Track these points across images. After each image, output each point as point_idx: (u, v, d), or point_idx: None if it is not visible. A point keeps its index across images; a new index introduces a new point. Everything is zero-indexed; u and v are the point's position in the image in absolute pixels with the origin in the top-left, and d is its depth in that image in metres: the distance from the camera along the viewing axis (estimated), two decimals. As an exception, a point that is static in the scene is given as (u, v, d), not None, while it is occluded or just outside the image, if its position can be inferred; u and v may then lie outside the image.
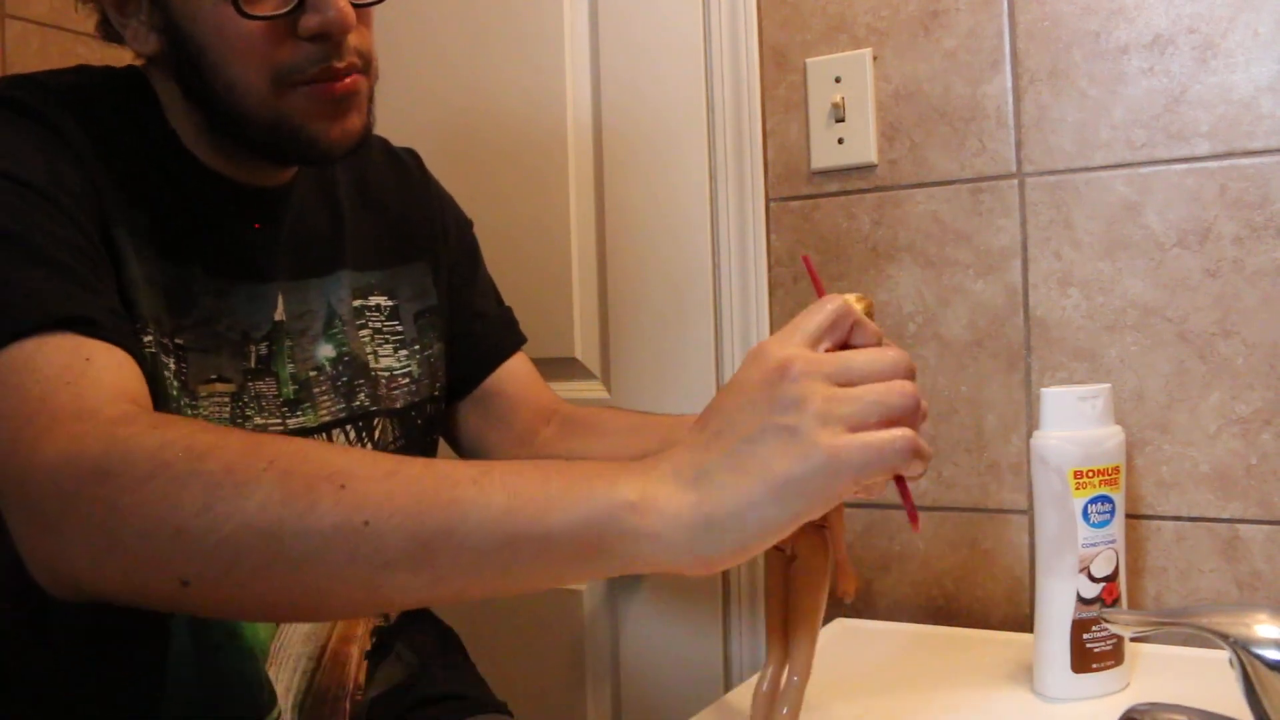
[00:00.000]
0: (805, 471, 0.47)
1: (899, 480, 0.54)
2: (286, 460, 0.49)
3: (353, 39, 0.71)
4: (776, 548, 0.64)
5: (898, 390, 0.50)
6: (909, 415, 0.49)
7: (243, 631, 0.74)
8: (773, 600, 0.65)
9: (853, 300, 0.65)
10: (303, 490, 0.48)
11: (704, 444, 0.50)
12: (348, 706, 0.81)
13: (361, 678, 0.83)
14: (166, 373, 0.70)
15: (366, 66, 0.73)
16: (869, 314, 0.65)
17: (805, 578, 0.63)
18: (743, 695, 0.83)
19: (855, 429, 0.48)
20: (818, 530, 0.63)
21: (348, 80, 0.71)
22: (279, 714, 0.76)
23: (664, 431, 0.88)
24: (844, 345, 0.55)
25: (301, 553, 0.47)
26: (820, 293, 0.58)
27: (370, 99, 0.75)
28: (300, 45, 0.69)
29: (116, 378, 0.59)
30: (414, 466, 0.50)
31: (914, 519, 0.54)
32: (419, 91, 1.31)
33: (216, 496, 0.48)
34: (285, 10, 0.67)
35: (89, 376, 0.57)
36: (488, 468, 0.50)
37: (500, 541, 0.47)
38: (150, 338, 0.69)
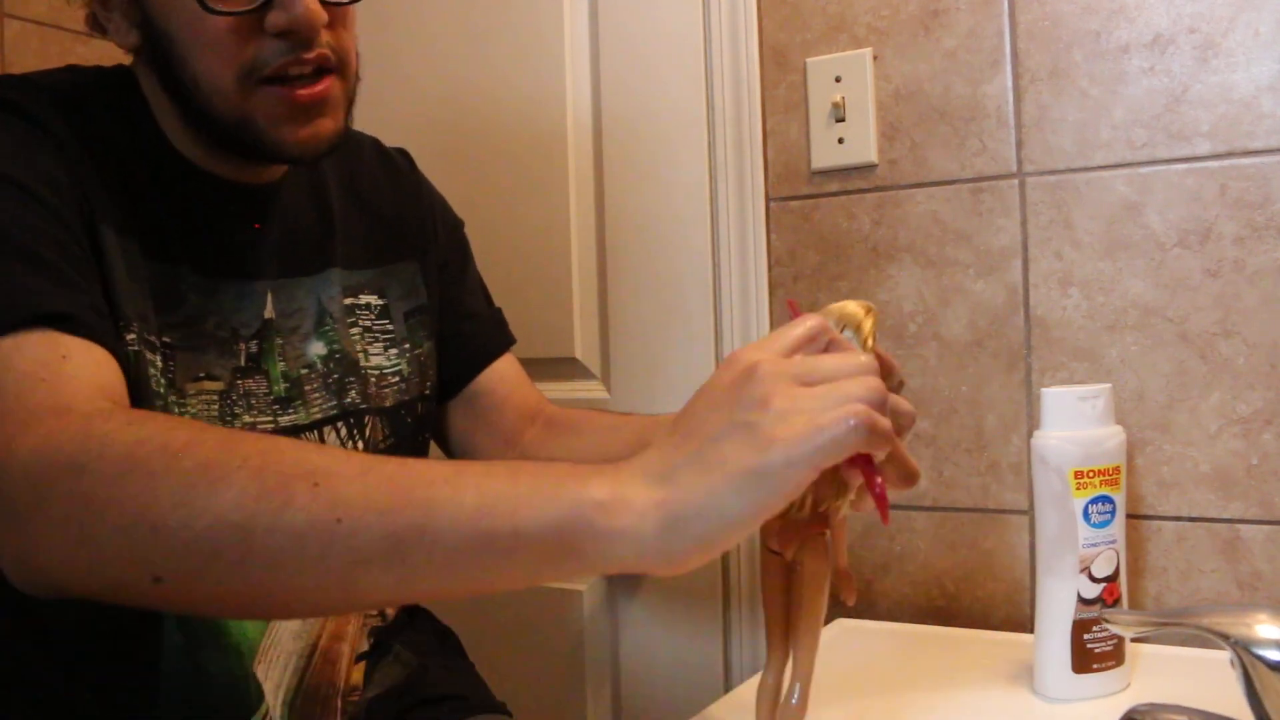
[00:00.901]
0: (763, 464, 0.47)
1: (864, 463, 0.52)
2: (261, 457, 0.49)
3: (328, 37, 0.71)
4: (774, 551, 0.64)
5: (860, 382, 0.49)
6: (873, 405, 0.49)
7: (228, 629, 0.74)
8: (772, 604, 0.65)
9: (856, 307, 0.64)
10: (277, 487, 0.48)
11: (673, 445, 0.50)
12: (339, 704, 0.81)
13: (354, 677, 0.83)
14: (153, 370, 0.70)
15: (342, 67, 0.73)
16: (874, 323, 0.64)
17: (807, 582, 0.63)
18: (743, 696, 0.83)
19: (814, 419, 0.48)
20: (819, 535, 0.63)
21: (318, 87, 0.71)
22: (266, 711, 0.76)
23: (640, 430, 0.88)
24: None
25: (275, 549, 0.47)
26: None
27: (348, 101, 0.75)
28: (268, 42, 0.69)
29: (94, 374, 0.59)
30: (388, 465, 0.50)
31: (883, 508, 0.52)
32: (420, 92, 1.31)
33: (191, 493, 0.48)
34: (251, 7, 0.67)
35: (65, 373, 0.57)
36: (461, 467, 0.50)
37: (471, 539, 0.47)
38: (134, 335, 0.69)
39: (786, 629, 0.64)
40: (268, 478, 0.48)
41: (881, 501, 0.52)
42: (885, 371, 0.64)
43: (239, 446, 0.50)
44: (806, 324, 0.53)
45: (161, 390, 0.71)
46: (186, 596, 0.50)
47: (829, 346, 0.54)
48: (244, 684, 0.75)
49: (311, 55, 0.70)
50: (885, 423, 0.49)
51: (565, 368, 1.22)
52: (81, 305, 0.62)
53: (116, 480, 0.49)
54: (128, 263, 0.70)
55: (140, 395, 0.69)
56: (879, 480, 0.52)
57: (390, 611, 0.88)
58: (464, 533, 0.47)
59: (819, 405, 0.48)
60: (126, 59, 0.78)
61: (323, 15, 0.69)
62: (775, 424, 0.47)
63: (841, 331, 0.63)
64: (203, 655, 0.73)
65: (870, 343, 0.62)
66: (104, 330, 0.62)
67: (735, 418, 0.48)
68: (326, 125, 0.73)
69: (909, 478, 0.60)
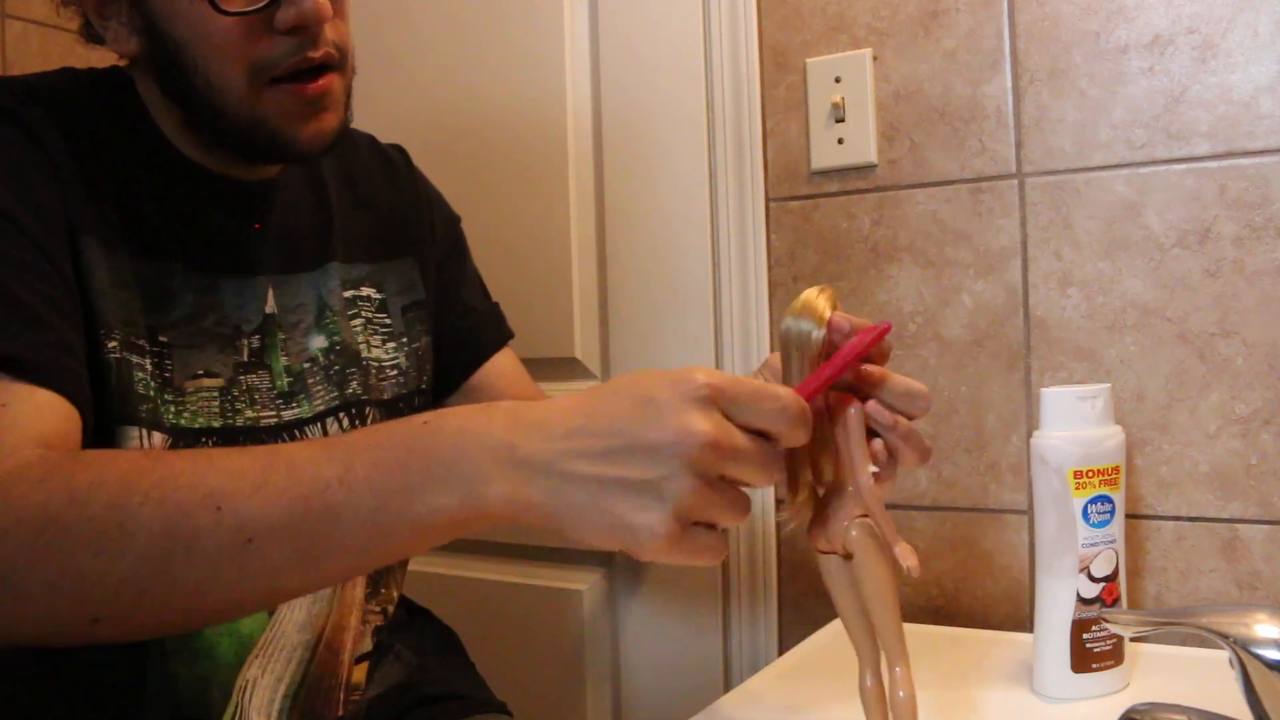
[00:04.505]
0: (635, 540, 0.51)
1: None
2: (160, 489, 0.51)
3: (329, 31, 0.71)
4: (826, 552, 0.63)
5: (744, 505, 0.53)
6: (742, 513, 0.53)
7: (197, 635, 0.74)
8: (844, 605, 0.64)
9: (815, 295, 0.65)
10: (182, 518, 0.51)
11: (585, 440, 0.51)
12: (341, 698, 0.81)
13: (356, 676, 0.83)
14: (140, 373, 0.70)
15: (342, 61, 0.74)
16: (835, 305, 0.64)
17: (868, 569, 0.62)
18: (743, 695, 0.83)
19: (697, 521, 0.52)
20: (861, 520, 0.62)
21: (321, 81, 0.72)
22: (237, 709, 0.75)
23: None
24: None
25: (196, 577, 0.51)
26: (819, 377, 0.59)
27: (347, 94, 0.76)
28: (277, 40, 0.69)
29: (32, 422, 0.60)
30: (279, 473, 0.52)
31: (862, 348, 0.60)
32: (420, 92, 1.31)
33: (105, 540, 0.51)
34: (261, 5, 0.68)
35: (2, 423, 0.58)
36: (351, 457, 0.52)
37: (375, 535, 0.51)
38: (115, 343, 0.69)
39: (868, 625, 0.63)
40: (170, 509, 0.51)
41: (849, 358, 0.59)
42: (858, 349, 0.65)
43: (139, 480, 0.52)
44: (786, 403, 0.53)
45: (151, 393, 0.71)
46: (124, 629, 0.53)
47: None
48: (208, 688, 0.74)
49: (318, 55, 0.71)
50: (726, 548, 0.53)
51: (565, 368, 1.22)
52: (36, 344, 0.62)
53: (35, 540, 0.51)
54: (113, 270, 0.70)
55: (126, 400, 0.69)
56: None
57: (391, 610, 0.89)
58: (367, 531, 0.51)
59: (711, 516, 0.52)
60: (123, 61, 0.78)
61: (329, 10, 0.70)
62: (670, 520, 0.50)
63: (798, 321, 0.63)
64: (172, 661, 0.73)
65: (827, 315, 0.63)
66: (58, 370, 0.63)
67: (650, 474, 0.50)
68: (330, 120, 0.74)
69: (924, 455, 0.64)
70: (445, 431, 0.52)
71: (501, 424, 0.52)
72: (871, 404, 0.62)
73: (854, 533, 0.61)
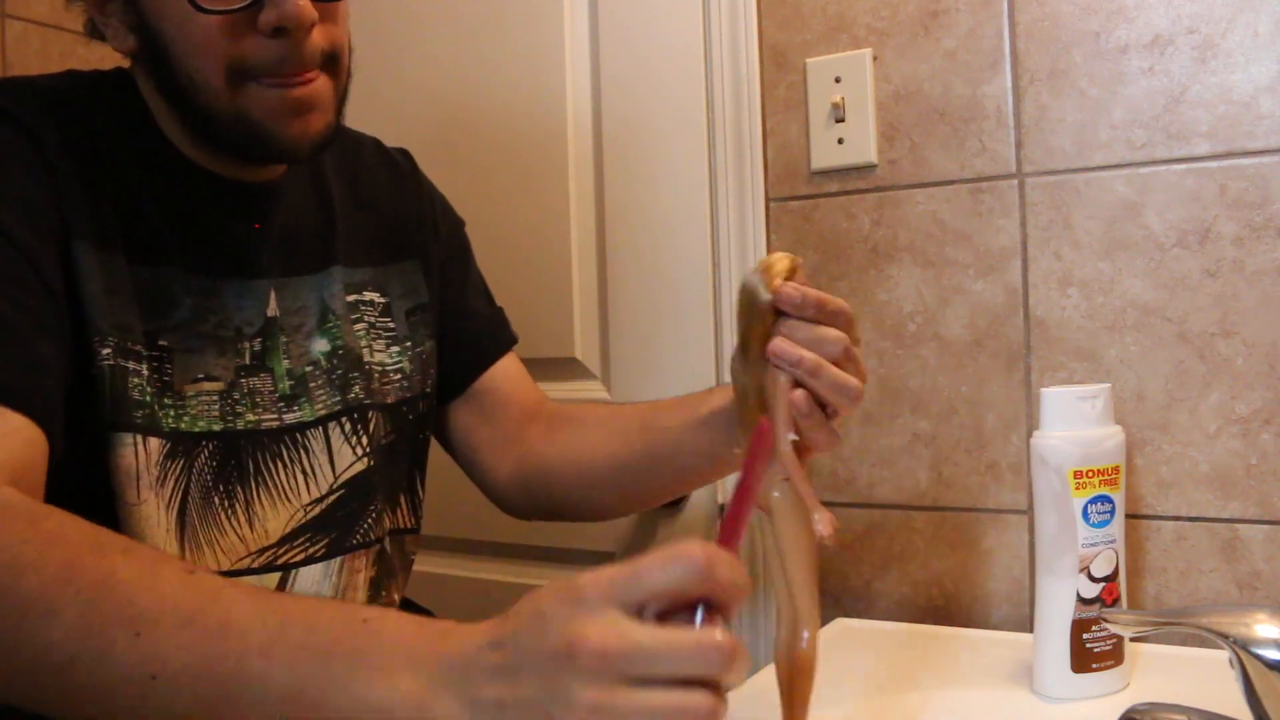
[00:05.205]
0: None
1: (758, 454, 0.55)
2: (94, 590, 0.50)
3: (319, 38, 0.71)
4: (758, 507, 0.63)
5: (678, 707, 0.46)
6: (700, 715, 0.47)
7: None
8: (771, 561, 0.65)
9: (778, 259, 0.65)
10: (100, 630, 0.49)
11: (494, 663, 0.47)
12: None
13: None
14: (136, 379, 0.70)
15: (333, 65, 0.73)
16: (793, 273, 0.65)
17: (786, 530, 0.63)
18: (743, 696, 0.83)
19: None
20: (785, 483, 0.62)
21: (306, 77, 0.71)
22: None
23: (640, 418, 0.89)
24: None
25: (93, 690, 0.50)
26: (747, 485, 0.53)
27: (340, 97, 0.75)
28: (262, 41, 0.69)
29: None
30: (211, 618, 0.50)
31: (729, 538, 0.51)
32: (420, 92, 1.31)
33: (24, 621, 0.50)
34: (240, 5, 0.67)
35: None
36: (280, 631, 0.50)
37: (276, 718, 0.49)
38: (109, 350, 0.69)
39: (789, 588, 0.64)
40: (95, 617, 0.50)
41: (728, 531, 0.52)
42: (825, 314, 0.66)
43: (78, 575, 0.51)
44: (682, 567, 0.48)
45: (148, 399, 0.71)
46: (15, 703, 0.52)
47: (697, 605, 0.49)
48: None
49: (299, 69, 0.70)
50: None
51: (565, 368, 1.22)
52: (6, 364, 0.61)
53: None
54: (108, 275, 0.70)
55: (120, 408, 0.69)
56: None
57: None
58: (269, 711, 0.48)
59: None
60: (127, 63, 0.78)
61: (313, 12, 0.69)
62: None
63: (751, 277, 0.65)
64: None
65: (776, 283, 0.65)
66: (28, 391, 0.62)
67: (541, 694, 0.45)
68: (316, 121, 0.73)
69: (854, 399, 0.65)
70: (383, 637, 0.50)
71: (432, 635, 0.50)
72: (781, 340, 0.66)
73: (775, 494, 0.63)
